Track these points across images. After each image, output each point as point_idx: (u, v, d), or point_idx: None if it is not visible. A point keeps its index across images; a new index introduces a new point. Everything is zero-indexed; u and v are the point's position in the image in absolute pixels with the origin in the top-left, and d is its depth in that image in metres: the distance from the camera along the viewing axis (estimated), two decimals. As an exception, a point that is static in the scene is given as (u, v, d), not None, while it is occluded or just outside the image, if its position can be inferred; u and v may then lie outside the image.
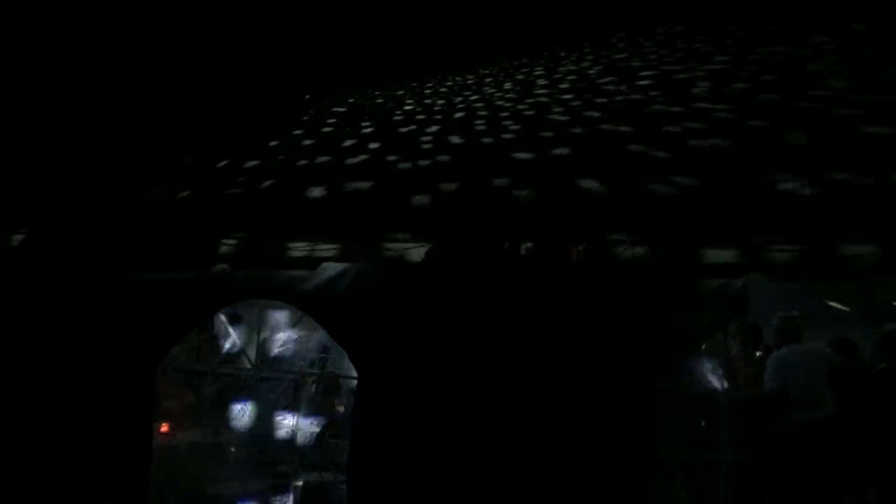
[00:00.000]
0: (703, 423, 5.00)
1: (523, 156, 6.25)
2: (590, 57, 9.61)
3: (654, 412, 4.53)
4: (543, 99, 8.17)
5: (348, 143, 7.76)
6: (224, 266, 5.80)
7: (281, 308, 8.08)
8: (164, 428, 7.52)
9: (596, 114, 7.20)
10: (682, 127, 6.18)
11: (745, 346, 6.51)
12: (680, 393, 5.04)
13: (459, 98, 9.06)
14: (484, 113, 7.99)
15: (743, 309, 4.89)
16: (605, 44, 9.92)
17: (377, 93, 9.91)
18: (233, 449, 7.97)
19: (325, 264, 5.62)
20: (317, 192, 6.40)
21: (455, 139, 7.25)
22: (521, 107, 8.00)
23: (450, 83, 9.92)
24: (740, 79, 7.28)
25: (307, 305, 6.14)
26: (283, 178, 6.99)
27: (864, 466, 6.33)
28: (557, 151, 6.13)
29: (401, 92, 9.78)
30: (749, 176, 4.77)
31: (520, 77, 9.59)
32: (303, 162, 7.34)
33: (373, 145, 7.52)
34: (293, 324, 8.60)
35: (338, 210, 6.10)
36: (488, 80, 9.70)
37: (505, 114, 7.77)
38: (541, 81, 9.11)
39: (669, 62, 8.46)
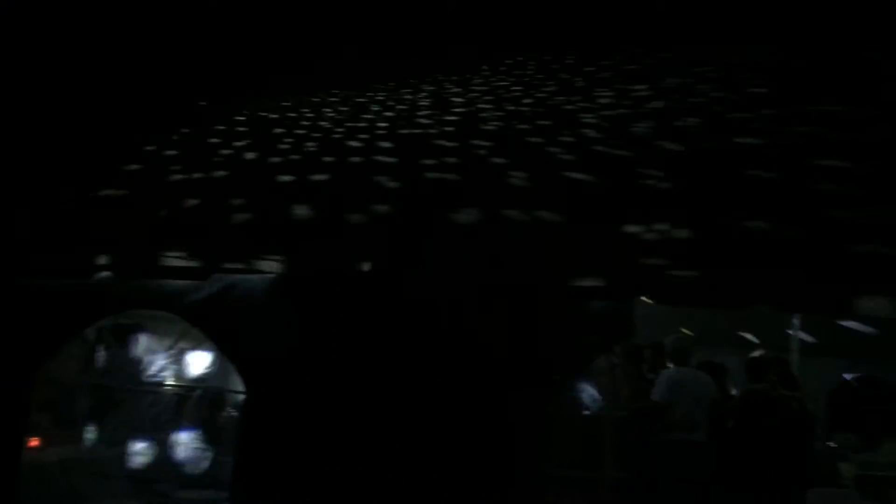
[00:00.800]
0: (588, 442, 5.16)
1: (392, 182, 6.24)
2: (479, 84, 9.77)
3: (539, 431, 4.62)
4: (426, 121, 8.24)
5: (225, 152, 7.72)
6: (107, 274, 5.60)
7: (167, 319, 7.84)
8: (34, 442, 7.14)
9: (476, 141, 7.28)
10: (559, 156, 6.27)
11: (633, 366, 6.72)
12: (566, 412, 5.20)
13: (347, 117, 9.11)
14: (364, 136, 8.00)
15: (628, 330, 5.07)
16: (498, 70, 10.13)
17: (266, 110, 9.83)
18: (109, 465, 7.64)
19: (215, 275, 5.51)
20: (191, 203, 6.29)
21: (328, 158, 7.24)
22: (403, 130, 8.06)
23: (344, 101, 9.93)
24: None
25: (194, 317, 5.99)
26: (163, 187, 6.84)
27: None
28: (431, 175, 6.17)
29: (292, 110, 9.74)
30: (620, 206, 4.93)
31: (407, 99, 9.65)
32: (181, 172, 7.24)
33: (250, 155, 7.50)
34: (179, 336, 8.34)
35: (214, 223, 5.97)
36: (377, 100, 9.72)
37: (382, 133, 7.82)
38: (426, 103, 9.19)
39: (552, 91, 8.66)
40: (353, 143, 7.46)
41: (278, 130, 8.59)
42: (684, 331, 10.84)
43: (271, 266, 5.00)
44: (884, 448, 9.19)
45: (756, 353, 7.32)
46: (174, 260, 5.52)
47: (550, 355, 4.67)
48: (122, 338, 8.26)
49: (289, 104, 9.86)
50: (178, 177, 7.14)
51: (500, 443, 4.47)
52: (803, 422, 7.15)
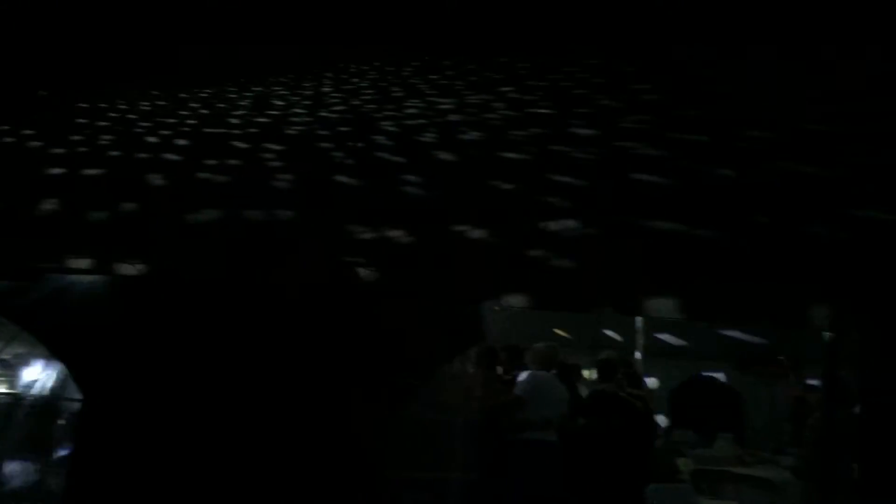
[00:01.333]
0: (436, 444, 5.13)
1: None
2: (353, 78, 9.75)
3: (384, 435, 4.57)
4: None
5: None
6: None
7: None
8: None
9: (330, 133, 7.31)
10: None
11: (488, 368, 6.84)
12: (417, 415, 5.16)
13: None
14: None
15: (483, 334, 5.11)
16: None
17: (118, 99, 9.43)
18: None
19: (47, 275, 5.13)
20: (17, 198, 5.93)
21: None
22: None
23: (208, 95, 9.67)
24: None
25: (25, 320, 5.57)
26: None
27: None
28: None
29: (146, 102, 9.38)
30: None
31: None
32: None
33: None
34: (7, 340, 7.75)
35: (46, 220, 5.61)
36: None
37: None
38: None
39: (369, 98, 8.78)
40: (153, 139, 7.37)
41: (114, 124, 8.30)
42: (560, 332, 11.22)
43: (106, 266, 4.73)
44: (717, 444, 9.75)
45: (604, 355, 7.61)
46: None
47: (401, 358, 4.62)
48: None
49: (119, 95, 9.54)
50: (8, 170, 6.73)
51: (344, 447, 4.38)
52: (646, 420, 7.50)
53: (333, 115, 7.88)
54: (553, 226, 4.03)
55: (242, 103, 9.06)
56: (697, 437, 10.67)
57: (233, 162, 6.43)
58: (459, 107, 7.69)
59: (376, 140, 6.45)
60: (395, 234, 4.45)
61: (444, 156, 5.93)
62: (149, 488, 4.70)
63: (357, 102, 8.46)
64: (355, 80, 9.70)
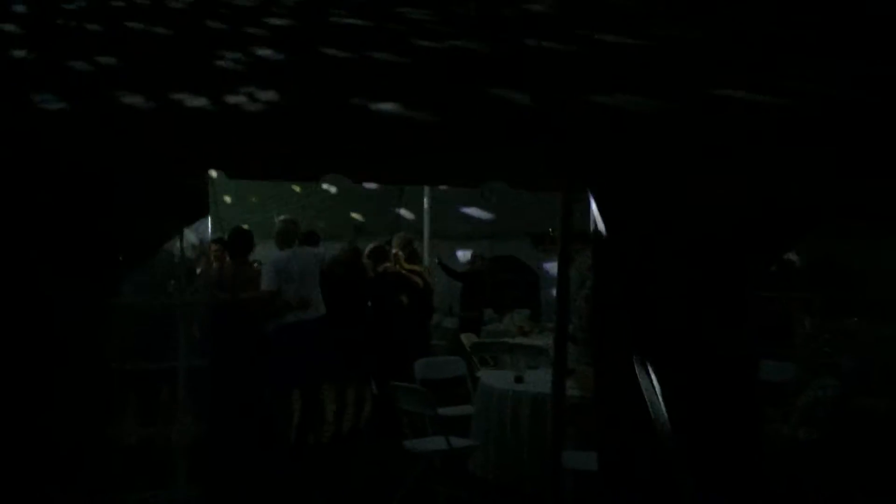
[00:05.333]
0: (165, 334, 4.72)
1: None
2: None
3: (103, 325, 4.08)
4: None
5: None
6: None
7: None
8: None
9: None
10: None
11: (232, 255, 6.44)
12: (136, 305, 4.72)
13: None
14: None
15: (202, 212, 4.65)
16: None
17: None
18: None
19: None
20: None
21: None
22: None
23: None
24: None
25: None
26: None
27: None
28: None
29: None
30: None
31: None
32: None
33: None
34: None
35: None
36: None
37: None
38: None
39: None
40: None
41: None
42: (356, 216, 10.88)
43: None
44: (507, 319, 9.93)
45: (376, 242, 7.49)
46: None
47: (118, 237, 4.09)
48: None
49: None
50: None
51: (57, 333, 3.87)
52: (423, 296, 7.43)
53: None
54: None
55: None
56: (493, 314, 10.84)
57: None
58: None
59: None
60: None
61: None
62: None
63: None
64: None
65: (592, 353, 4.16)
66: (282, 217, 6.86)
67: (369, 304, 7.14)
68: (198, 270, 7.12)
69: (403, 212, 10.59)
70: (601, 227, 3.31)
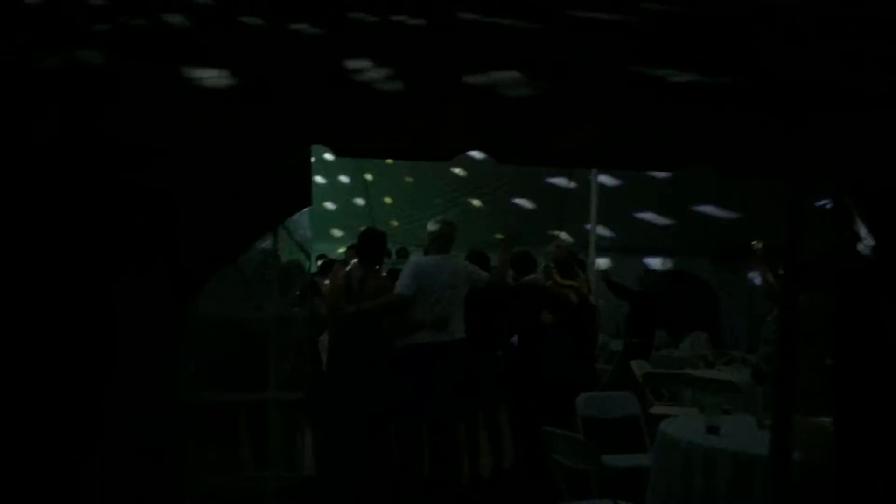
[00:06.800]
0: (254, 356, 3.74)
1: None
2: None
3: (175, 343, 3.18)
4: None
5: None
6: None
7: None
8: None
9: None
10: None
11: (360, 260, 5.44)
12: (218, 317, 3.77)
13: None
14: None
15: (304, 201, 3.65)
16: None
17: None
18: None
19: None
20: None
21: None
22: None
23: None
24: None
25: None
26: None
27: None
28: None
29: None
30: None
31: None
32: None
33: None
34: None
35: None
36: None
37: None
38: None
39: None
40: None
41: None
42: (499, 236, 9.82)
43: None
44: (684, 345, 8.49)
45: (552, 245, 6.31)
46: None
47: (196, 231, 3.20)
48: None
49: None
50: None
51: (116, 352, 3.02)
52: (580, 314, 6.12)
53: None
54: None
55: None
56: (667, 338, 9.41)
57: None
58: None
59: None
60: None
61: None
62: None
63: None
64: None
65: (805, 398, 3.26)
66: (439, 218, 5.80)
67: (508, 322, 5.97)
68: (326, 281, 6.25)
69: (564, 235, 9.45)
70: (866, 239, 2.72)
